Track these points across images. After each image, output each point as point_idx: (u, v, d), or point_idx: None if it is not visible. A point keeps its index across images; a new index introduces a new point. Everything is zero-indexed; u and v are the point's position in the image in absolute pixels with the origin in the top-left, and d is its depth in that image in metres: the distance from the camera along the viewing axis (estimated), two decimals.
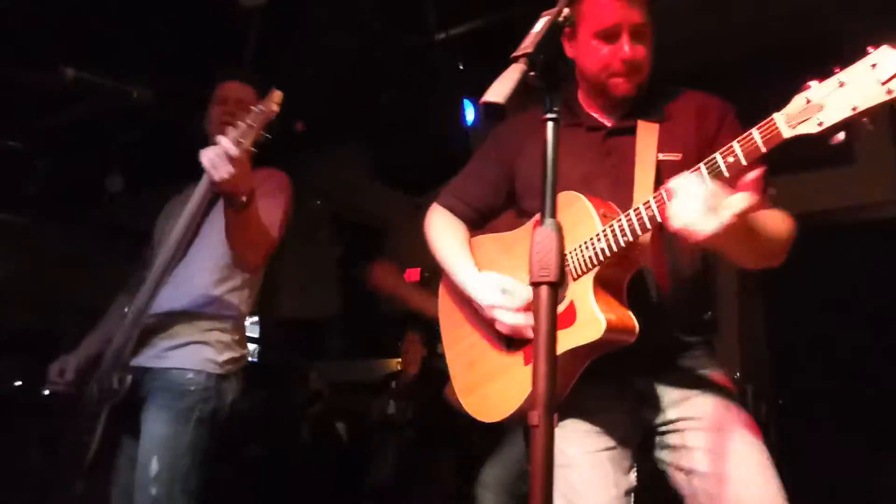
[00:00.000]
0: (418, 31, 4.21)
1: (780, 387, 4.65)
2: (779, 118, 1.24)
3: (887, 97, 1.10)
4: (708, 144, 1.56)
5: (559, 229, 1.03)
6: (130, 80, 2.59)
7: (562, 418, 1.60)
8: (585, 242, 1.51)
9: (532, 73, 1.02)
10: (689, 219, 1.28)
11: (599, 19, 1.60)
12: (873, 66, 1.10)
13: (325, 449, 5.01)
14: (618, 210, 1.53)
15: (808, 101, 1.19)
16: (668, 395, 1.62)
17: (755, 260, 1.56)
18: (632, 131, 1.65)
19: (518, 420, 1.63)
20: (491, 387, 1.69)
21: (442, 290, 1.95)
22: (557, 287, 1.01)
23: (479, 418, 1.70)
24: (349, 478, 4.96)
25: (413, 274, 6.49)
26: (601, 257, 1.48)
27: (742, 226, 1.30)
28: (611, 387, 1.63)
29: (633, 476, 1.60)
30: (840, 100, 1.14)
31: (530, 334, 1.54)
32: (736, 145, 1.30)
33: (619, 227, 1.46)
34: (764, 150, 1.26)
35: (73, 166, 5.68)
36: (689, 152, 1.58)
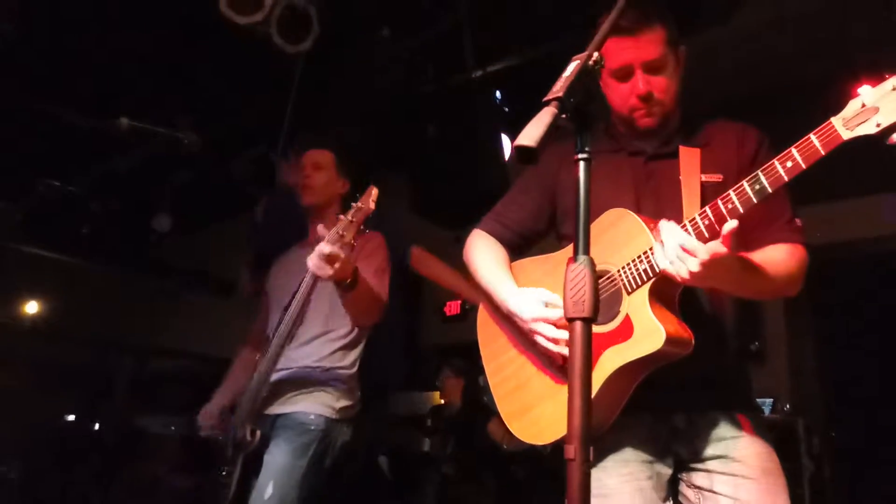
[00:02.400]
0: (458, 69, 4.30)
1: (833, 420, 4.50)
2: (836, 121, 1.31)
3: None
4: (748, 166, 1.60)
5: (592, 265, 1.05)
6: (180, 125, 2.72)
7: (603, 446, 1.62)
8: (639, 256, 1.54)
9: (563, 116, 1.05)
10: (664, 264, 1.43)
11: (613, 60, 1.68)
12: None
13: (367, 484, 5.01)
14: None
15: (864, 105, 1.27)
16: (703, 434, 1.62)
17: (760, 297, 1.63)
18: (672, 155, 1.71)
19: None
20: (542, 409, 1.67)
21: (481, 317, 1.93)
22: (591, 323, 1.02)
23: (530, 441, 1.68)
24: None
25: (454, 307, 6.53)
26: (657, 269, 1.50)
27: (725, 269, 1.42)
28: (648, 419, 1.63)
29: None
30: (895, 102, 1.23)
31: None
32: (794, 151, 1.35)
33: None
34: (823, 152, 1.32)
35: (125, 208, 5.89)
36: (730, 173, 1.63)
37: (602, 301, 1.57)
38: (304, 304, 2.41)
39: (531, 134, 1.00)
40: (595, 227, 1.62)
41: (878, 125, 1.25)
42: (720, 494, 1.55)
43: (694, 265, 1.38)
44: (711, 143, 1.72)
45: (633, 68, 1.67)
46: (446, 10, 4.04)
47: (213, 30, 3.60)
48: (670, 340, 1.46)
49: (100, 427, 5.86)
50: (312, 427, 2.47)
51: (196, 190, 5.76)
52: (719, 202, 1.45)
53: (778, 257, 1.59)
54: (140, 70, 4.23)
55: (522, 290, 1.73)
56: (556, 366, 1.66)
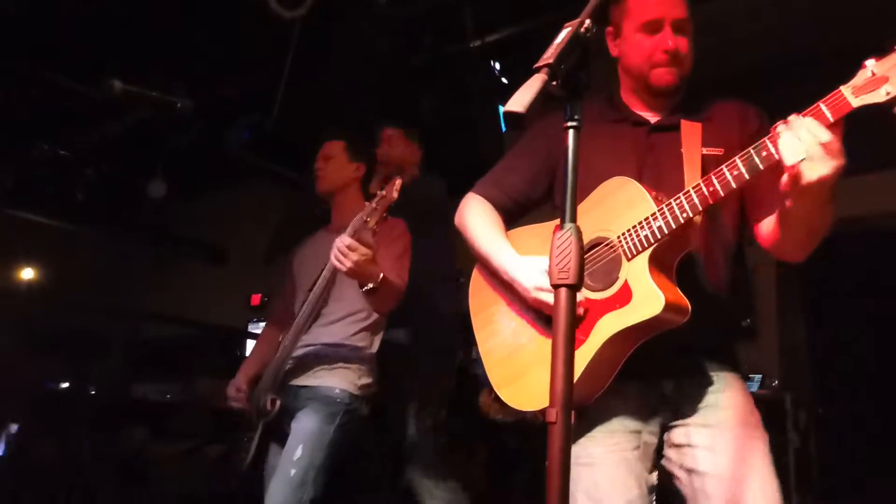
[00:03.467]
0: (456, 38, 4.26)
1: (820, 396, 4.55)
2: (845, 90, 1.32)
3: None
4: (749, 142, 1.57)
5: (579, 233, 1.06)
6: (174, 91, 2.70)
7: (591, 415, 1.63)
8: (641, 222, 1.55)
9: (553, 83, 1.05)
10: (802, 156, 1.32)
11: (644, 12, 1.68)
12: None
13: (361, 449, 5.07)
14: (666, 197, 1.58)
15: (874, 74, 1.30)
16: (688, 396, 1.64)
17: (812, 238, 1.57)
18: (674, 128, 1.71)
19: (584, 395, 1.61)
20: (534, 374, 1.65)
21: (474, 284, 1.90)
22: (576, 290, 1.03)
23: (520, 408, 1.68)
24: (383, 479, 5.01)
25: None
26: (658, 235, 1.51)
27: (833, 191, 1.37)
28: (637, 388, 1.65)
29: (654, 476, 1.62)
30: None
31: (582, 310, 1.59)
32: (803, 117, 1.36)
33: (678, 204, 1.51)
34: (832, 119, 1.32)
35: (120, 173, 5.86)
36: (732, 148, 1.61)
37: (601, 267, 1.61)
38: (326, 286, 2.59)
39: (520, 100, 1.00)
40: (596, 194, 1.66)
41: (887, 93, 1.27)
42: (697, 447, 1.58)
43: (828, 169, 1.32)
44: (713, 119, 1.73)
45: (663, 23, 1.67)
46: None
47: None
48: (669, 307, 1.47)
49: (95, 392, 5.89)
50: (338, 400, 2.62)
51: (192, 156, 5.73)
52: (724, 168, 1.46)
53: None
54: (135, 34, 4.19)
55: (523, 258, 1.72)
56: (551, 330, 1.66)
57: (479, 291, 1.88)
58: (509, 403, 1.70)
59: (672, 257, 1.57)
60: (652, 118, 1.77)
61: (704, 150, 1.64)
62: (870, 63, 1.30)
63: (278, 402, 2.64)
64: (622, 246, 1.57)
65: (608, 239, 1.61)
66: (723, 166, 1.47)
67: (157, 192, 5.64)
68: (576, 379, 1.45)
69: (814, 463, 4.11)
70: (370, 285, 2.42)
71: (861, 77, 1.31)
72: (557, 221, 1.71)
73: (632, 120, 1.78)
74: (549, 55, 1.06)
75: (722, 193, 1.46)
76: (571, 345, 1.01)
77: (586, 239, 1.59)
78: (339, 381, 2.66)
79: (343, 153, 2.90)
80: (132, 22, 4.07)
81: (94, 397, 5.56)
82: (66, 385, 6.05)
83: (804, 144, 1.32)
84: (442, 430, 4.80)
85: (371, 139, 3.45)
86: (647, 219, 1.54)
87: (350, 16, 4.13)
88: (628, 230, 1.57)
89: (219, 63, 4.53)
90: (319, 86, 4.53)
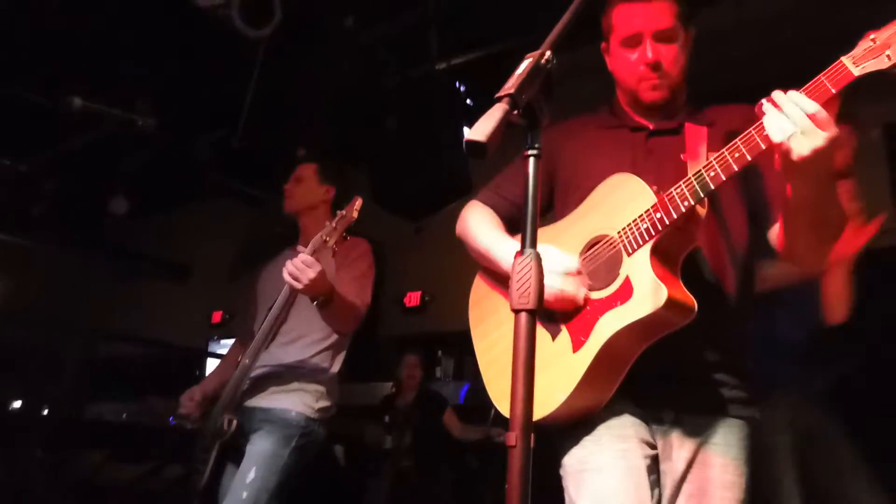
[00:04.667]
0: (421, 60, 4.30)
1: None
2: (846, 60, 1.31)
3: None
4: None
5: (538, 258, 1.08)
6: (137, 107, 2.69)
7: (598, 419, 1.57)
8: (642, 215, 1.50)
9: (514, 112, 1.08)
10: (790, 131, 1.29)
11: (623, 27, 1.68)
12: None
13: (321, 472, 5.02)
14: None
15: (874, 41, 1.28)
16: (683, 433, 1.58)
17: (819, 235, 1.51)
18: (676, 132, 1.68)
19: (566, 416, 1.54)
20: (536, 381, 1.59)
21: (474, 294, 1.84)
22: (535, 314, 1.05)
23: None
24: (345, 502, 4.96)
25: (414, 298, 6.54)
26: (659, 226, 1.46)
27: (827, 163, 1.32)
28: (641, 410, 1.59)
29: (656, 493, 1.56)
30: None
31: (580, 300, 1.53)
32: (804, 92, 1.33)
33: (679, 193, 1.46)
34: (834, 90, 1.30)
35: (79, 189, 5.76)
36: None
37: (602, 265, 1.56)
38: (286, 305, 2.57)
39: (482, 129, 1.02)
40: (596, 194, 1.64)
41: (889, 58, 1.25)
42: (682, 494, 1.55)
43: (821, 140, 1.27)
44: (717, 123, 1.67)
45: (642, 36, 1.65)
46: (413, 2, 4.05)
47: (175, 10, 3.55)
48: (672, 301, 1.40)
49: (49, 412, 5.73)
50: (294, 423, 2.60)
51: (155, 172, 5.66)
52: (725, 152, 1.41)
53: None
54: (100, 50, 4.14)
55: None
56: (552, 332, 1.59)
57: (478, 302, 1.83)
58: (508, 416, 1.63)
59: (677, 252, 1.51)
60: (651, 124, 1.74)
61: (710, 156, 1.54)
62: (871, 34, 1.29)
63: (235, 423, 2.61)
64: (622, 241, 1.53)
65: (607, 236, 1.56)
66: (723, 149, 1.42)
67: (118, 209, 5.56)
68: (576, 384, 1.47)
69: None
70: (321, 299, 2.43)
71: (861, 47, 1.29)
72: (563, 222, 1.71)
73: (630, 125, 1.76)
74: (511, 85, 1.09)
75: (724, 177, 1.41)
76: (531, 368, 1.03)
77: (586, 239, 1.60)
78: (295, 403, 2.63)
79: (314, 175, 2.91)
80: (97, 37, 4.02)
81: (48, 417, 5.42)
82: (18, 404, 5.88)
83: (792, 119, 1.29)
84: (407, 453, 4.79)
85: (342, 162, 3.47)
86: (647, 211, 1.49)
87: (316, 36, 4.15)
88: (629, 224, 1.52)
89: (184, 80, 4.50)
90: (285, 105, 4.52)
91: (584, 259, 1.61)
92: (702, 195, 1.44)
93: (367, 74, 4.25)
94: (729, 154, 1.42)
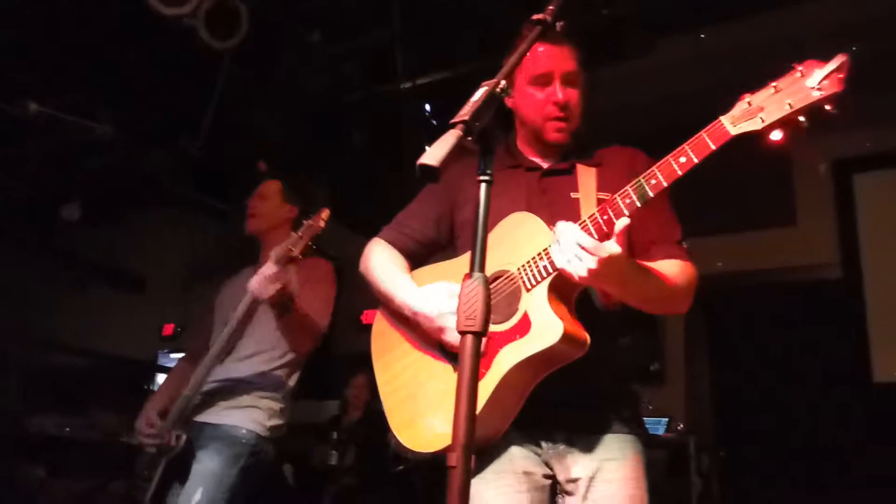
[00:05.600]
0: (387, 79, 4.33)
1: (724, 440, 4.74)
2: (724, 119, 1.43)
3: (816, 96, 1.33)
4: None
5: (486, 282, 1.10)
6: (97, 115, 2.65)
7: (483, 457, 1.62)
8: (540, 253, 1.59)
9: (469, 139, 1.11)
10: (562, 263, 1.47)
11: (534, 66, 1.75)
12: (801, 74, 1.36)
13: (270, 491, 4.94)
14: None
15: (750, 104, 1.40)
16: (578, 454, 1.65)
17: (651, 306, 1.69)
18: (567, 172, 1.79)
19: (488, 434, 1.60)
20: (433, 417, 1.65)
21: (376, 328, 1.90)
22: (481, 337, 1.07)
23: (419, 450, 1.65)
24: None
25: (370, 315, 6.51)
26: (556, 265, 1.53)
27: (619, 269, 1.47)
28: (531, 435, 1.66)
29: None
30: (778, 101, 1.38)
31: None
32: (687, 147, 1.45)
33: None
34: (714, 147, 1.43)
35: (30, 195, 5.62)
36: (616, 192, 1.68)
37: (502, 299, 1.63)
38: (244, 319, 2.52)
39: (435, 154, 1.05)
40: (497, 231, 1.69)
41: (762, 121, 1.38)
42: None
43: (591, 263, 1.42)
44: (604, 164, 1.80)
45: (552, 76, 1.75)
46: (380, 21, 4.08)
47: (140, 18, 3.51)
48: (567, 337, 1.50)
49: None
50: (244, 441, 2.53)
51: (110, 179, 5.55)
52: (616, 197, 1.52)
53: (669, 269, 1.65)
54: (56, 54, 4.07)
55: (424, 287, 1.74)
56: (455, 365, 1.60)
57: (380, 335, 1.89)
58: (409, 446, 1.68)
59: (572, 290, 1.60)
60: (545, 164, 1.84)
61: (599, 194, 1.70)
62: (747, 96, 1.41)
63: (184, 438, 2.55)
64: (521, 277, 1.61)
65: (508, 272, 1.64)
66: (615, 195, 1.53)
67: (71, 216, 5.42)
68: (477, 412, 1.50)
69: None
70: (280, 304, 2.39)
71: (739, 108, 1.41)
72: (460, 259, 1.80)
73: (525, 165, 1.85)
74: (466, 112, 1.12)
75: (615, 221, 1.51)
76: (475, 389, 1.04)
77: (488, 272, 1.65)
78: (246, 420, 2.57)
79: (278, 194, 2.89)
80: (55, 41, 3.95)
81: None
82: None
83: (565, 249, 1.46)
84: (351, 471, 4.75)
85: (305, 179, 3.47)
86: (545, 250, 1.57)
87: (283, 50, 4.14)
88: (528, 261, 1.60)
89: (147, 89, 4.44)
90: (248, 117, 4.50)
91: None
92: (595, 237, 1.52)
93: (332, 89, 4.26)
94: (621, 199, 1.52)
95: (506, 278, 1.65)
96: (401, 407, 1.75)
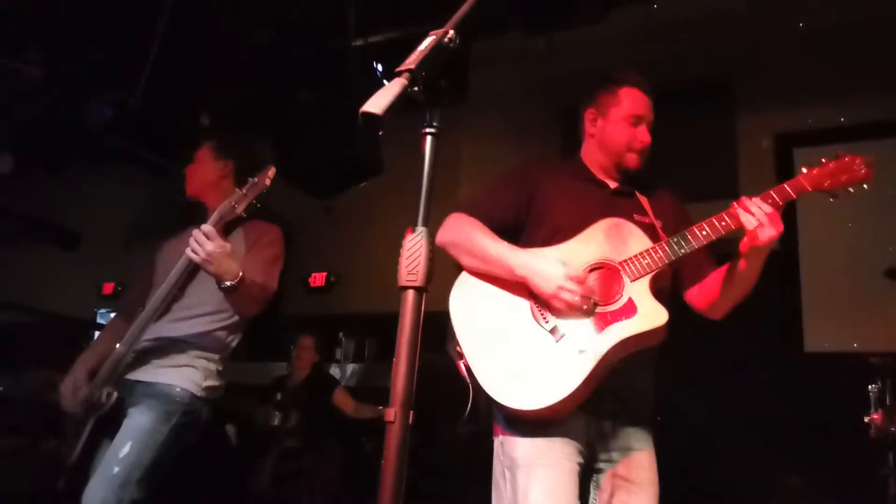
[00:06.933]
0: (337, 35, 4.21)
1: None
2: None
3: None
4: (677, 217, 2.11)
5: (429, 237, 1.08)
6: (25, 55, 2.50)
7: (550, 428, 1.84)
8: (642, 252, 1.89)
9: (415, 88, 1.07)
10: (752, 224, 1.82)
11: (634, 107, 2.11)
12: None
13: (212, 451, 4.89)
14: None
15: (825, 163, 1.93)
16: (619, 440, 1.94)
17: (742, 297, 2.02)
18: (630, 195, 2.13)
19: (552, 411, 1.79)
20: (535, 374, 1.81)
21: (462, 292, 2.00)
22: (423, 291, 1.05)
23: (521, 407, 1.79)
24: (235, 482, 4.86)
25: (319, 278, 6.44)
26: (660, 263, 1.87)
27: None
28: (585, 419, 1.89)
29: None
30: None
31: (583, 303, 1.82)
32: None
33: (676, 242, 1.88)
34: (794, 195, 1.90)
35: None
36: (668, 221, 2.08)
37: (603, 284, 1.90)
38: (180, 278, 2.48)
39: (378, 102, 1.01)
40: (592, 230, 1.97)
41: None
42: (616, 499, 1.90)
43: (775, 231, 1.80)
44: (652, 196, 2.16)
45: (643, 119, 2.12)
46: None
47: None
48: (667, 323, 1.81)
49: None
50: (178, 399, 2.50)
51: (46, 130, 5.29)
52: (713, 220, 1.89)
53: None
54: None
55: (536, 252, 1.95)
56: (561, 326, 1.87)
57: (468, 299, 1.99)
58: (508, 404, 1.80)
59: (664, 285, 1.95)
60: (610, 184, 2.16)
61: (651, 219, 2.07)
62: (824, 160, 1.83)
63: (115, 396, 2.49)
64: (627, 269, 1.89)
65: (612, 261, 1.91)
66: (713, 219, 1.88)
67: (3, 167, 5.19)
68: (581, 380, 1.76)
69: None
70: (227, 283, 2.33)
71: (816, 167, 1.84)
72: (561, 247, 1.96)
73: (595, 181, 2.16)
74: (411, 60, 1.08)
75: (713, 237, 1.87)
76: (415, 346, 1.02)
77: (589, 262, 1.94)
78: (181, 379, 2.53)
79: (209, 154, 2.84)
80: None
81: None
82: None
83: (757, 215, 1.81)
84: (293, 432, 4.75)
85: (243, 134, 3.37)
86: (648, 250, 1.89)
87: (229, 1, 3.99)
88: (631, 257, 1.89)
89: (83, 34, 4.22)
90: (192, 69, 4.33)
91: (589, 275, 1.94)
92: (695, 246, 1.88)
93: (280, 43, 4.13)
94: (717, 221, 1.87)
95: (608, 268, 1.92)
96: (499, 368, 1.85)
